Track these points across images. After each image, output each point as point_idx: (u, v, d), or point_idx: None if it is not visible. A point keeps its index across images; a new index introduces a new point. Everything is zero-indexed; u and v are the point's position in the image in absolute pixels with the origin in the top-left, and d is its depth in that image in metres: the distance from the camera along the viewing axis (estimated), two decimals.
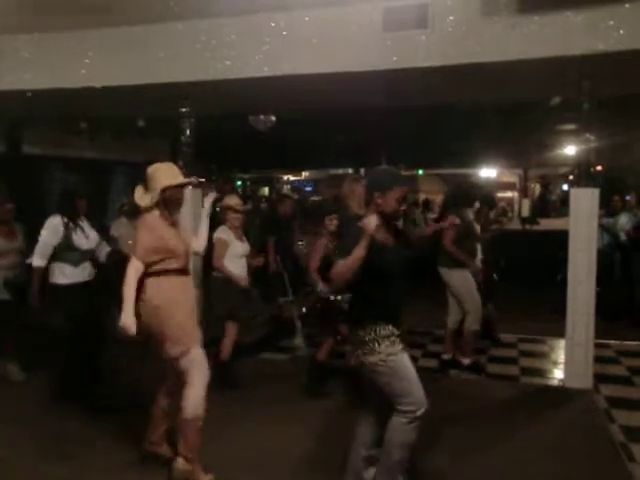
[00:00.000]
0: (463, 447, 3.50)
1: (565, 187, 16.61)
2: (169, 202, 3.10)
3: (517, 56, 3.97)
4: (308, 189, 19.47)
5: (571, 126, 7.97)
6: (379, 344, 2.63)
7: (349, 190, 5.74)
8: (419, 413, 2.64)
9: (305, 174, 20.17)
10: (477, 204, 5.71)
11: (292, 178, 20.54)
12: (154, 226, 3.07)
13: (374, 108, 6.54)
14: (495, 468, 3.34)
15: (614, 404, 4.33)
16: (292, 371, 4.98)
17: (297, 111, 6.90)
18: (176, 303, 3.04)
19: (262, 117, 7.49)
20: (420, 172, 18.05)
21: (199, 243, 3.41)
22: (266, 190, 19.20)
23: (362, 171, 14.89)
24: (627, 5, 3.71)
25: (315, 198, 15.32)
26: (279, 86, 4.85)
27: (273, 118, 7.55)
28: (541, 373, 5.19)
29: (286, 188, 20.26)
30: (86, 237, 4.21)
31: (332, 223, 4.47)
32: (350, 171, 15.59)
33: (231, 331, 4.52)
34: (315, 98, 5.51)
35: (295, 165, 17.47)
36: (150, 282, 3.02)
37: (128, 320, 2.89)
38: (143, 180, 3.19)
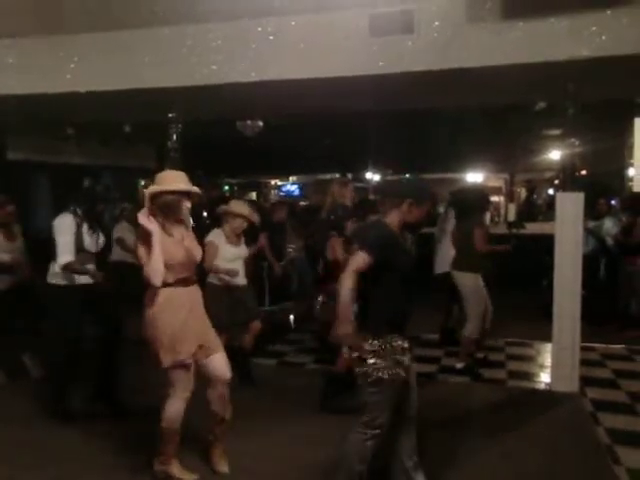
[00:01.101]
0: (448, 451, 3.50)
1: (551, 191, 16.77)
2: (163, 209, 3.06)
3: (502, 61, 4.01)
4: (296, 194, 19.44)
5: (556, 131, 8.05)
6: (387, 356, 2.60)
7: (339, 193, 5.77)
8: (377, 432, 2.66)
9: (292, 179, 20.15)
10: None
11: (279, 183, 20.51)
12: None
13: (361, 113, 6.56)
14: (481, 471, 3.34)
15: (600, 407, 4.36)
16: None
17: (284, 116, 6.90)
18: (172, 314, 3.02)
19: (249, 122, 7.49)
20: (407, 176, 18.11)
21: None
22: (254, 195, 19.15)
23: (349, 176, 14.93)
24: (609, 12, 3.76)
25: (303, 203, 15.31)
26: (266, 91, 4.84)
27: (260, 123, 7.55)
28: (528, 377, 5.21)
29: (274, 193, 20.23)
30: (96, 240, 4.10)
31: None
32: (337, 176, 15.61)
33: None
34: (302, 103, 5.51)
35: (282, 170, 17.46)
36: (150, 291, 3.04)
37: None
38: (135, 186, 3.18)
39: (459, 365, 5.10)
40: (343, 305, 2.54)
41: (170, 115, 5.67)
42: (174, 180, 3.10)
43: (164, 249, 3.00)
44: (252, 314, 4.68)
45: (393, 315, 2.67)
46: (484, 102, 5.80)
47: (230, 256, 4.51)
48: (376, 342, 2.62)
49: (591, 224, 6.97)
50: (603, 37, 3.77)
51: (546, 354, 5.58)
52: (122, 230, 6.41)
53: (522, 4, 3.92)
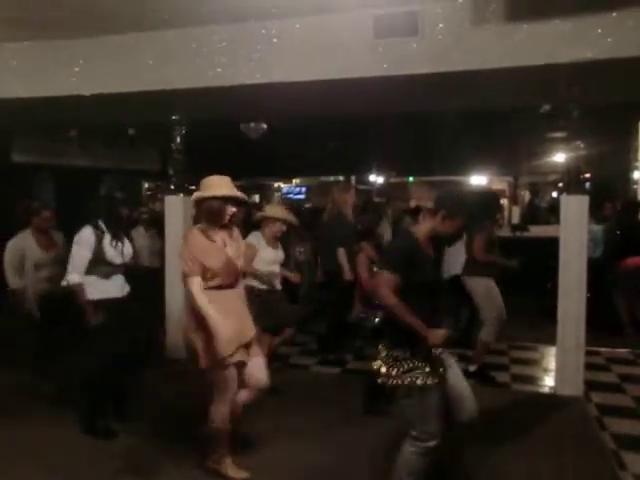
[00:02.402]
0: (451, 454, 3.46)
1: (555, 194, 16.73)
2: (207, 215, 3.06)
3: (506, 64, 3.99)
4: (299, 196, 19.44)
5: (561, 134, 8.03)
6: (416, 366, 2.58)
7: (340, 199, 5.77)
8: (431, 444, 2.60)
9: (296, 181, 20.15)
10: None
11: (283, 185, 20.51)
12: (191, 241, 3.07)
13: (365, 115, 6.56)
14: (484, 475, 3.32)
15: (605, 412, 4.34)
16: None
17: (288, 118, 6.91)
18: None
19: (253, 125, 7.50)
20: (411, 179, 18.11)
21: None
22: (257, 197, 19.16)
23: (353, 178, 14.93)
24: (614, 14, 3.74)
25: (307, 205, 15.31)
26: (270, 93, 4.84)
27: (264, 125, 7.56)
28: (532, 380, 5.19)
29: (277, 196, 20.23)
30: (121, 251, 3.86)
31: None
32: (341, 178, 15.60)
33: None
34: (306, 105, 5.51)
35: (286, 172, 17.47)
36: (191, 295, 3.05)
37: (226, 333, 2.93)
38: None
39: (472, 368, 5.06)
40: (408, 317, 2.54)
41: (174, 117, 5.69)
42: (219, 186, 3.08)
43: (206, 254, 3.01)
44: (287, 320, 4.64)
45: (409, 328, 2.59)
46: (488, 105, 5.79)
47: (270, 259, 4.51)
48: (398, 354, 2.60)
49: (595, 228, 6.93)
50: (608, 39, 3.75)
51: (550, 357, 5.55)
52: (137, 238, 6.31)
53: (526, 6, 3.90)
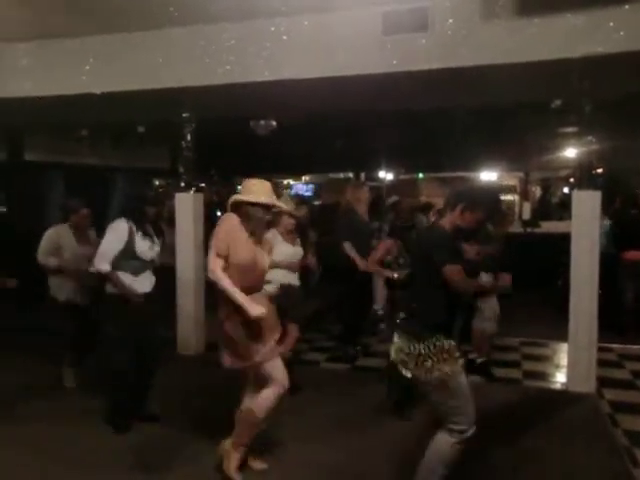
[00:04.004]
0: (463, 450, 3.46)
1: (566, 190, 16.59)
2: (245, 218, 3.06)
3: (517, 59, 3.97)
4: (308, 194, 19.44)
5: (572, 128, 7.96)
6: (440, 359, 2.58)
7: (353, 197, 5.77)
8: (469, 434, 2.62)
9: (305, 178, 20.15)
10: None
11: (292, 182, 20.52)
12: (228, 223, 3.04)
13: (374, 111, 6.54)
14: (497, 471, 3.31)
15: (618, 408, 4.30)
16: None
17: (297, 115, 6.91)
18: (238, 320, 3.01)
19: (262, 122, 7.50)
20: (420, 176, 18.04)
21: None
22: None
23: (362, 175, 14.89)
24: (627, 6, 3.70)
25: (317, 202, 15.31)
26: (279, 90, 4.85)
27: (274, 123, 7.56)
28: (543, 376, 5.16)
29: (286, 193, 20.24)
30: (150, 246, 3.88)
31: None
32: (350, 175, 15.57)
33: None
34: (315, 102, 5.51)
35: (295, 170, 17.47)
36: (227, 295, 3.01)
37: (256, 307, 2.93)
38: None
39: (479, 359, 5.03)
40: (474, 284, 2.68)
41: (184, 115, 5.71)
42: (258, 191, 3.07)
43: (237, 241, 2.99)
44: (294, 316, 4.62)
45: (438, 317, 2.63)
46: (498, 100, 5.75)
47: (289, 254, 4.44)
48: (419, 346, 2.60)
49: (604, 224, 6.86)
50: (621, 33, 3.71)
51: (562, 354, 5.52)
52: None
53: (537, 0, 3.88)
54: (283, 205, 3.24)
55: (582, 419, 4.12)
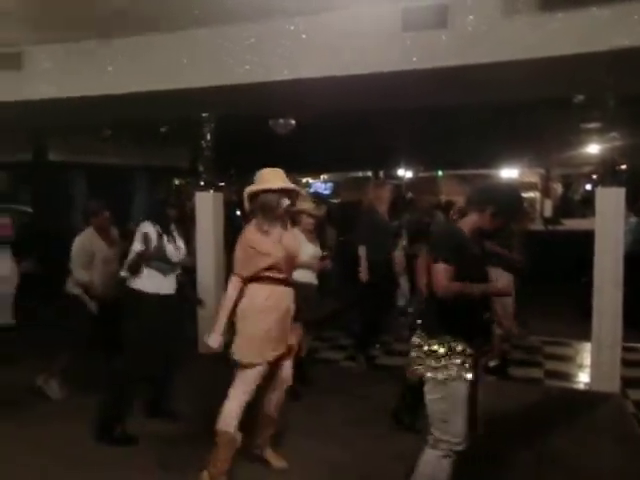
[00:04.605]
0: (485, 451, 3.44)
1: (588, 186, 16.35)
2: (262, 209, 3.05)
3: (539, 54, 3.91)
4: (326, 192, 19.45)
5: (595, 124, 7.83)
6: (450, 361, 2.50)
7: (375, 195, 5.76)
8: (455, 447, 2.49)
9: (324, 177, 20.16)
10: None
11: (311, 181, 20.56)
12: (246, 238, 3.06)
13: (393, 109, 6.51)
14: (518, 474, 3.28)
15: None
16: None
17: (316, 114, 6.91)
18: (265, 315, 3.01)
19: (282, 121, 7.52)
20: (440, 173, 17.93)
21: None
22: None
23: (381, 173, 14.85)
24: None
25: (335, 201, 15.31)
26: (298, 89, 4.86)
27: (293, 122, 7.57)
28: (566, 376, 5.10)
29: (305, 191, 20.24)
30: (177, 249, 3.91)
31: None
32: (369, 174, 15.54)
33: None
34: (334, 100, 5.50)
35: (314, 168, 17.49)
36: (249, 286, 3.05)
37: (215, 337, 2.99)
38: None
39: (492, 363, 5.00)
40: (475, 289, 2.50)
41: (204, 114, 5.75)
42: (272, 178, 3.07)
43: (258, 253, 3.00)
44: (310, 315, 4.62)
45: (457, 320, 2.53)
46: (519, 96, 5.68)
47: (311, 254, 4.44)
48: (436, 345, 2.53)
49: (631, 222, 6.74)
50: None
51: (585, 353, 5.45)
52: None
53: None
54: (296, 187, 3.21)
55: (607, 419, 4.07)
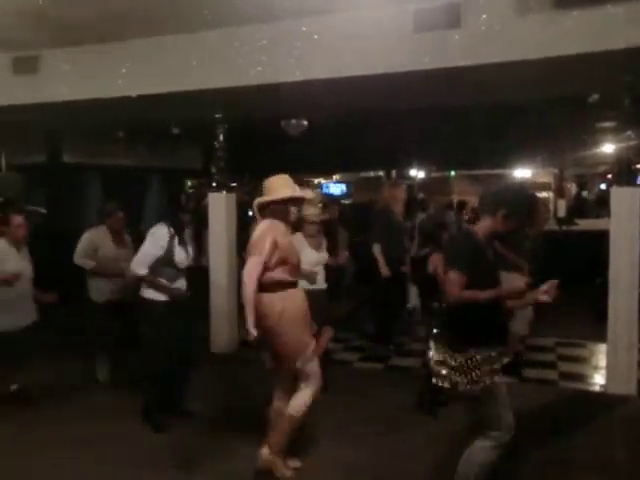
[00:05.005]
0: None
1: (603, 186, 16.17)
2: (273, 216, 3.13)
3: (553, 53, 3.88)
4: (339, 193, 19.42)
5: (609, 123, 7.74)
6: (479, 370, 2.52)
7: (390, 195, 5.75)
8: (506, 438, 2.58)
9: (336, 177, 20.14)
10: None
11: (323, 181, 20.55)
12: (275, 228, 3.11)
13: (405, 109, 6.49)
14: (531, 476, 3.25)
15: None
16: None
17: (328, 114, 6.91)
18: (298, 312, 3.11)
19: (294, 121, 7.53)
20: (452, 173, 17.84)
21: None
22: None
23: (394, 173, 14.80)
24: None
25: (347, 201, 15.29)
26: (310, 90, 4.86)
27: (305, 122, 7.58)
28: (581, 378, 5.05)
29: (316, 192, 20.24)
30: (187, 253, 3.92)
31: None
32: (381, 174, 15.50)
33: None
34: (346, 101, 5.51)
35: (326, 168, 17.48)
36: (273, 295, 3.09)
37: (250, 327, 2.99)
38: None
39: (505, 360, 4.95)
40: (483, 295, 2.52)
41: (216, 116, 5.78)
42: (280, 187, 3.14)
43: (285, 243, 3.09)
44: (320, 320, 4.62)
45: (474, 330, 2.55)
46: (533, 95, 5.64)
47: (313, 260, 4.38)
48: (460, 358, 2.54)
49: None
50: None
51: (600, 355, 5.39)
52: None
53: None
54: (303, 194, 3.26)
55: (623, 422, 4.02)
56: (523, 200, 2.67)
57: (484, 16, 4.03)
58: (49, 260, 4.86)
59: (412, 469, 3.32)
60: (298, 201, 3.23)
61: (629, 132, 4.57)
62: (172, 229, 3.82)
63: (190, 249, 3.99)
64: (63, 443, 3.70)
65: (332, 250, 5.61)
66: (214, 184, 5.89)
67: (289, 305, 3.08)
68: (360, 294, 6.58)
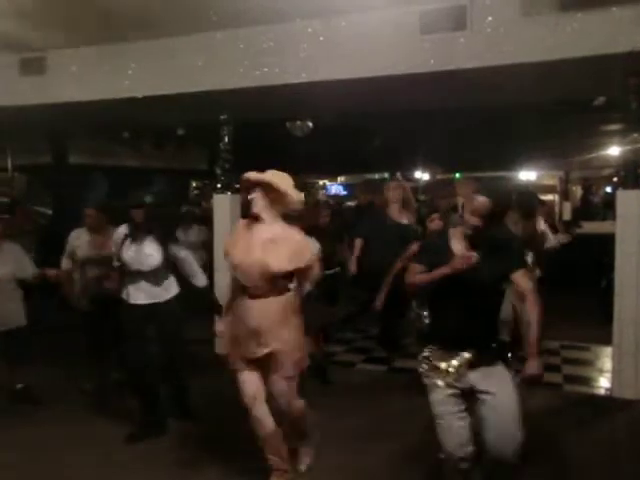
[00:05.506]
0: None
1: (609, 189, 16.11)
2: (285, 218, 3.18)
3: (559, 55, 3.88)
4: (343, 193, 19.42)
5: (615, 126, 7.72)
6: (425, 365, 2.61)
7: (393, 196, 5.74)
8: (450, 462, 2.56)
9: (341, 179, 20.14)
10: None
11: (328, 183, 20.55)
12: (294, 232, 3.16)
13: (410, 111, 6.49)
14: None
15: None
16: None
17: (333, 116, 6.92)
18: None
19: (299, 123, 7.53)
20: (457, 176, 17.81)
21: None
22: (302, 195, 19.23)
23: (398, 175, 14.79)
24: None
25: (350, 203, 15.27)
26: (316, 92, 4.87)
27: (310, 124, 7.58)
28: (586, 381, 5.02)
29: (321, 193, 20.26)
30: (145, 255, 3.74)
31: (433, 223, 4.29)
32: (386, 175, 15.48)
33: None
34: (352, 103, 5.51)
35: (331, 170, 17.49)
36: (290, 298, 3.06)
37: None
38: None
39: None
40: (426, 277, 2.62)
41: (222, 117, 5.79)
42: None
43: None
44: (321, 321, 4.57)
45: (441, 327, 2.65)
46: (539, 98, 5.63)
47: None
48: (427, 352, 2.64)
49: None
50: None
51: (605, 358, 5.36)
52: (198, 234, 6.74)
53: None
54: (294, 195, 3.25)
55: (629, 426, 4.00)
56: (531, 200, 2.74)
57: (490, 18, 4.04)
58: (54, 261, 4.85)
59: (417, 471, 3.30)
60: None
61: (635, 135, 4.56)
62: (133, 229, 3.71)
63: (153, 250, 3.69)
64: (64, 443, 3.71)
65: (326, 260, 5.61)
66: (219, 185, 5.90)
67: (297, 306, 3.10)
68: (360, 296, 6.56)
